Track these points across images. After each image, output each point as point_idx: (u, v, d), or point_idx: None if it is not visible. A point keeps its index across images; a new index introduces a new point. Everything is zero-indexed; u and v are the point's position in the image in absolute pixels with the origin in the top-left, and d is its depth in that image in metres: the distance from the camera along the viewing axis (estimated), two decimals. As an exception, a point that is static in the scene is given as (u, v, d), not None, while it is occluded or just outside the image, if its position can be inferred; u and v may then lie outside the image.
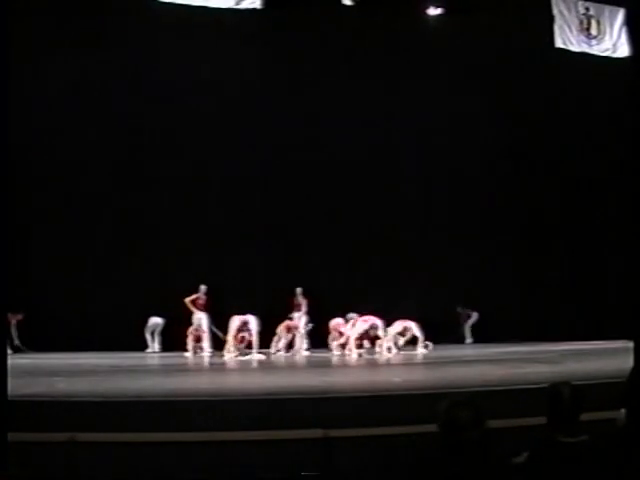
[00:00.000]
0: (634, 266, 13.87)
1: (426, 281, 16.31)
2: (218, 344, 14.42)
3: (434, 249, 16.58)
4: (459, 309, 16.84)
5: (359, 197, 16.51)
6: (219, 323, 14.50)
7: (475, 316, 16.93)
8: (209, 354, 14.34)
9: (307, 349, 14.64)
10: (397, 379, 9.17)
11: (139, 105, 15.53)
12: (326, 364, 12.33)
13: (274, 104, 16.19)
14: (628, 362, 3.67)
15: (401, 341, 14.07)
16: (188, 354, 14.06)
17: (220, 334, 14.33)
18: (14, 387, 4.24)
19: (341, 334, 14.01)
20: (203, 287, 14.90)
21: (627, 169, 14.91)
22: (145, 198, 15.62)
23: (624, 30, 17.59)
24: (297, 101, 16.41)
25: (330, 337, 14.31)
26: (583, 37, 17.46)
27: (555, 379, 3.89)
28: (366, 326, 13.34)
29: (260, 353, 13.48)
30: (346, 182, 16.43)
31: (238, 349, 13.58)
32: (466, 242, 16.67)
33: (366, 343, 13.73)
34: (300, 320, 14.92)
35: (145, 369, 11.92)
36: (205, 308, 14.86)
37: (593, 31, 17.58)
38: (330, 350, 14.05)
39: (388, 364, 12.18)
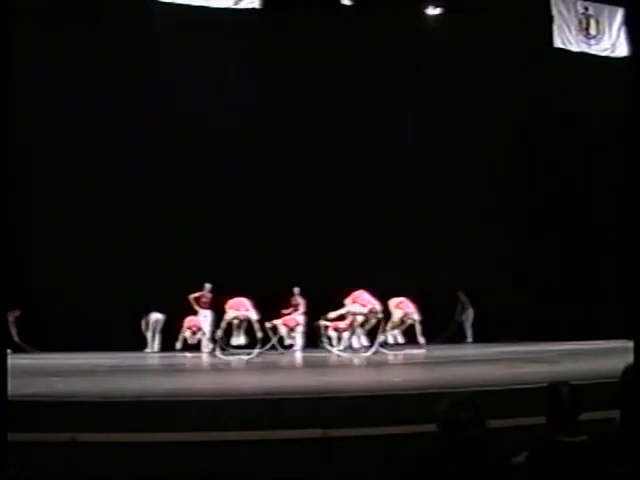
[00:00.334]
0: (633, 265, 13.87)
1: (426, 281, 16.32)
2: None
3: (434, 249, 16.61)
4: (460, 295, 16.84)
5: (359, 197, 16.53)
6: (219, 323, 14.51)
7: (471, 313, 16.95)
8: (208, 353, 14.35)
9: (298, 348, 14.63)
10: (397, 379, 9.18)
11: (139, 104, 15.53)
12: (325, 364, 12.32)
13: (274, 103, 16.20)
14: (627, 362, 3.66)
15: (399, 337, 13.90)
16: (177, 344, 14.19)
17: (220, 334, 14.29)
18: (14, 387, 4.24)
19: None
20: (208, 285, 14.88)
21: (627, 168, 14.91)
22: (145, 198, 15.62)
23: (623, 30, 17.58)
24: (296, 100, 16.42)
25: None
26: (582, 37, 17.45)
27: (554, 379, 3.90)
28: (365, 310, 12.94)
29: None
30: (346, 181, 16.46)
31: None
32: (466, 242, 16.69)
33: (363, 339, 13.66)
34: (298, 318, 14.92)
35: (145, 369, 11.92)
36: (209, 306, 14.86)
37: (592, 31, 17.58)
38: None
39: (387, 364, 12.17)
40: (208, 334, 14.63)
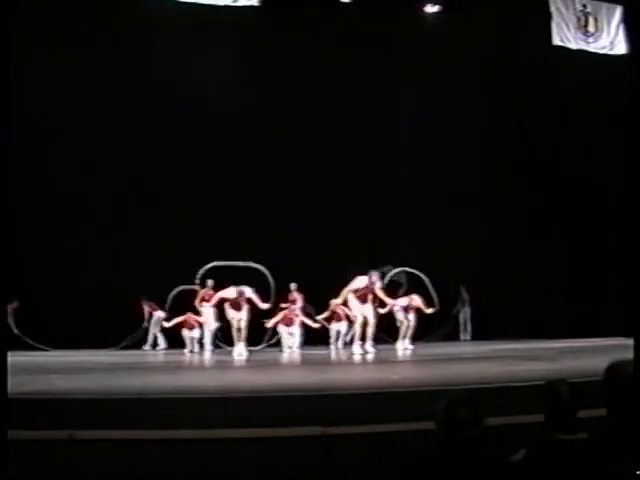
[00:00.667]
0: (633, 264, 13.91)
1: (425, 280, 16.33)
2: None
3: (433, 249, 16.58)
4: (462, 290, 16.86)
5: (359, 196, 16.54)
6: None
7: (468, 311, 16.97)
8: (210, 350, 14.37)
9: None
10: (395, 376, 9.18)
11: (138, 104, 15.54)
12: (324, 361, 12.33)
13: (273, 102, 16.20)
14: (611, 359, 3.65)
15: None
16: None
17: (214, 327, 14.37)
18: (13, 385, 4.23)
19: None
20: (210, 282, 14.87)
21: (627, 166, 14.95)
22: (145, 197, 15.65)
23: (621, 27, 17.63)
24: (295, 99, 16.42)
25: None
26: (581, 34, 17.47)
27: (553, 376, 3.91)
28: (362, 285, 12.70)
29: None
30: (345, 181, 16.46)
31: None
32: (465, 241, 16.69)
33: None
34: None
35: (145, 366, 11.91)
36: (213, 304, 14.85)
37: (591, 28, 17.60)
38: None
39: (386, 361, 12.17)
40: (211, 331, 14.64)
